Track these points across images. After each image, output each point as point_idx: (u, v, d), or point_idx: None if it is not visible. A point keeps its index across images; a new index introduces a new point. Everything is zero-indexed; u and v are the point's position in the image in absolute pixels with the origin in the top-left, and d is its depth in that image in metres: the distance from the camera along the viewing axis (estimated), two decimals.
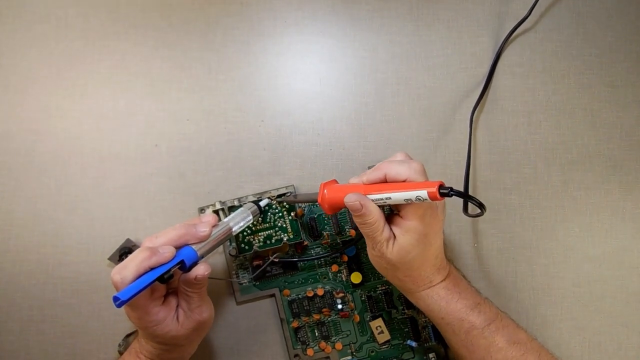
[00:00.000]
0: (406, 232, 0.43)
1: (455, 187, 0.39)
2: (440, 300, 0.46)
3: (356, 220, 0.44)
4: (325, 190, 0.46)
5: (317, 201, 0.46)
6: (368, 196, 0.43)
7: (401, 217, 0.43)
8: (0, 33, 0.56)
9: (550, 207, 0.54)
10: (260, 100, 0.56)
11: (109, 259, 0.53)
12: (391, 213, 0.46)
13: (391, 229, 0.44)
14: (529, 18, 0.55)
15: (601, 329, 0.53)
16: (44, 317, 0.54)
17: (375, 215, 0.43)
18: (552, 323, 0.53)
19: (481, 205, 0.39)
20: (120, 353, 0.53)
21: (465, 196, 0.39)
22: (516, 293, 0.54)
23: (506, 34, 0.55)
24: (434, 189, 0.39)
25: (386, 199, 0.42)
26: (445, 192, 0.39)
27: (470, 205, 0.48)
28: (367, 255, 0.48)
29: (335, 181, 0.48)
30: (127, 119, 0.55)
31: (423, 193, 0.40)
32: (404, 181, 0.42)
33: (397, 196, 0.41)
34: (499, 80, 0.56)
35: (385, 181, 0.43)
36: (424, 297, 0.47)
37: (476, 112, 0.55)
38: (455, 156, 0.55)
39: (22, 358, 0.53)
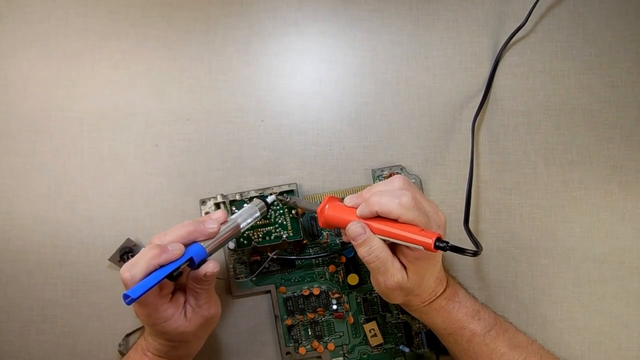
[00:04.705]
0: (415, 259, 0.42)
1: (451, 242, 0.39)
2: (442, 311, 0.46)
3: (360, 251, 0.43)
4: (327, 206, 0.46)
5: (315, 211, 0.47)
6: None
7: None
8: (0, 33, 0.56)
9: (550, 207, 0.54)
10: (260, 100, 0.56)
11: (109, 259, 0.53)
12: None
13: (398, 258, 0.43)
14: (528, 18, 0.55)
15: (601, 329, 0.53)
16: (44, 317, 0.54)
17: (379, 244, 0.42)
18: (552, 323, 0.53)
19: (475, 253, 0.39)
20: (121, 353, 0.53)
21: (460, 251, 0.39)
22: (516, 293, 0.54)
23: (507, 37, 0.55)
24: (430, 242, 0.39)
25: (384, 238, 0.42)
26: (441, 246, 0.39)
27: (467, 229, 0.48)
28: None
29: (334, 198, 0.47)
30: (127, 119, 0.55)
31: (419, 245, 0.40)
32: (397, 218, 0.41)
33: (393, 240, 0.42)
34: (499, 80, 0.56)
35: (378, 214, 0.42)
36: (427, 311, 0.47)
37: (476, 112, 0.54)
38: (455, 156, 0.55)
39: (22, 358, 0.53)
